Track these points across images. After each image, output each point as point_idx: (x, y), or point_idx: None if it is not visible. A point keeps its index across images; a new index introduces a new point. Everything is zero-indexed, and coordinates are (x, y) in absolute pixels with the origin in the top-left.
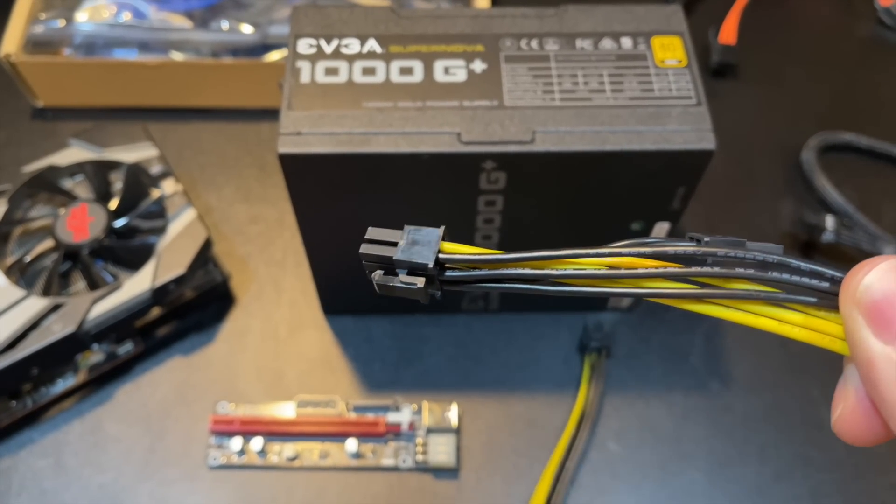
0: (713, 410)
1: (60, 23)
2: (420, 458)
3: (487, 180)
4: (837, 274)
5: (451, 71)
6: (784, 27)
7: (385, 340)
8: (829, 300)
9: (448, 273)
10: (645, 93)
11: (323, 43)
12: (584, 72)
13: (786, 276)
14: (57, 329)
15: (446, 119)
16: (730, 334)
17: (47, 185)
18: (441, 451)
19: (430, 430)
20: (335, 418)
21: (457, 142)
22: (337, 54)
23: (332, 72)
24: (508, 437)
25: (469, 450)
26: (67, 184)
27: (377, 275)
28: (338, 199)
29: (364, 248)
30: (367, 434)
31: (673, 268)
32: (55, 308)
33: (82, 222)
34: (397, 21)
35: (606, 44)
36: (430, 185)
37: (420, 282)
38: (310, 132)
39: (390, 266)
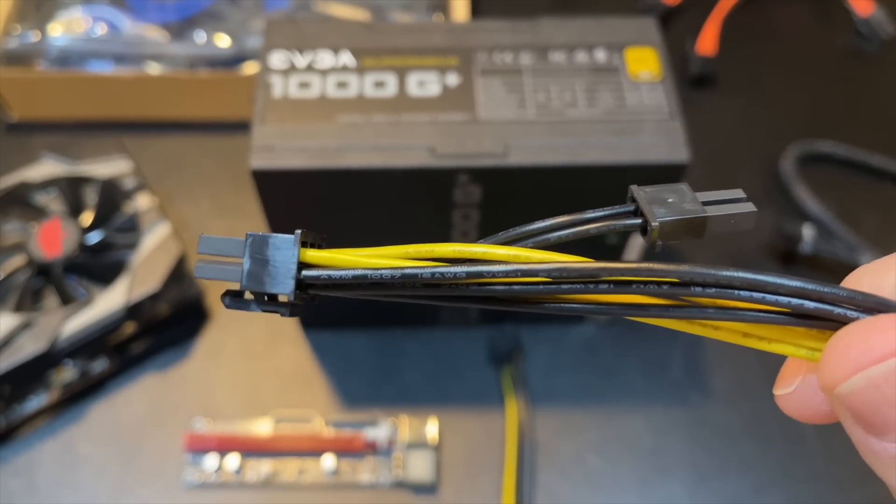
0: (693, 423)
1: (35, 36)
2: (398, 474)
3: (462, 194)
4: (825, 290)
5: (425, 84)
6: (763, 38)
7: (363, 355)
8: (812, 324)
9: (320, 291)
10: (618, 106)
11: (296, 57)
12: (557, 85)
13: (758, 294)
14: (29, 346)
15: (420, 133)
16: (710, 347)
17: (19, 201)
18: (419, 466)
19: (408, 446)
20: (312, 434)
21: (430, 156)
22: (310, 68)
23: (304, 86)
24: (488, 453)
25: (448, 465)
26: (40, 199)
27: (227, 300)
28: (311, 214)
29: (199, 271)
30: (345, 450)
31: (606, 284)
32: (27, 325)
33: (55, 238)
34: (371, 34)
35: (580, 57)
36: (405, 199)
37: (283, 309)
38: (282, 147)
39: (238, 291)
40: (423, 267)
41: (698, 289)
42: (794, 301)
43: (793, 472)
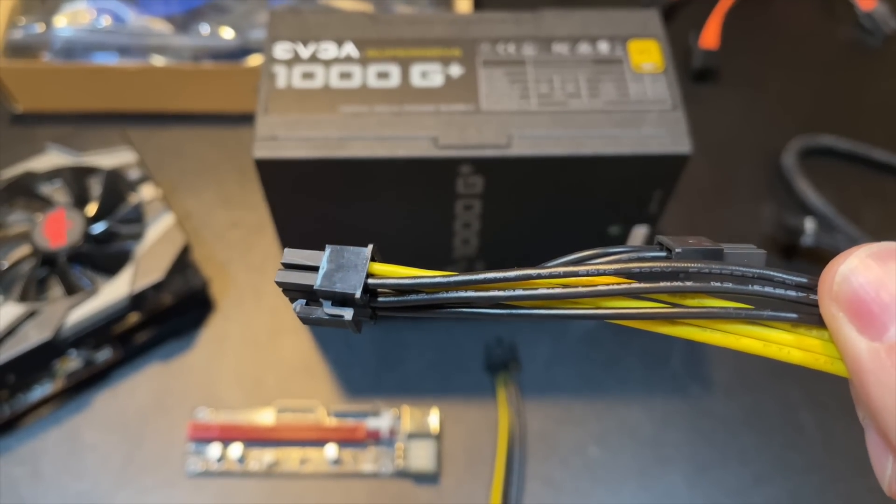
0: (693, 414)
1: (40, 28)
2: (400, 463)
3: (464, 185)
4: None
5: (428, 75)
6: (765, 32)
7: (365, 345)
8: (815, 316)
9: (381, 299)
10: (621, 97)
11: (300, 47)
12: (560, 76)
13: (769, 289)
14: (33, 336)
15: (423, 123)
16: None
17: (25, 191)
18: (421, 456)
19: (410, 436)
20: (315, 424)
21: (433, 146)
22: (313, 59)
23: (308, 76)
24: (489, 443)
25: (449, 455)
26: (45, 189)
27: (298, 306)
28: (314, 204)
29: (280, 277)
30: (347, 440)
31: (637, 284)
32: (32, 314)
33: (60, 228)
34: (374, 26)
35: (583, 48)
36: (407, 190)
37: (348, 313)
38: (285, 137)
39: (312, 295)
40: (477, 273)
41: (717, 283)
42: (801, 294)
43: (792, 464)
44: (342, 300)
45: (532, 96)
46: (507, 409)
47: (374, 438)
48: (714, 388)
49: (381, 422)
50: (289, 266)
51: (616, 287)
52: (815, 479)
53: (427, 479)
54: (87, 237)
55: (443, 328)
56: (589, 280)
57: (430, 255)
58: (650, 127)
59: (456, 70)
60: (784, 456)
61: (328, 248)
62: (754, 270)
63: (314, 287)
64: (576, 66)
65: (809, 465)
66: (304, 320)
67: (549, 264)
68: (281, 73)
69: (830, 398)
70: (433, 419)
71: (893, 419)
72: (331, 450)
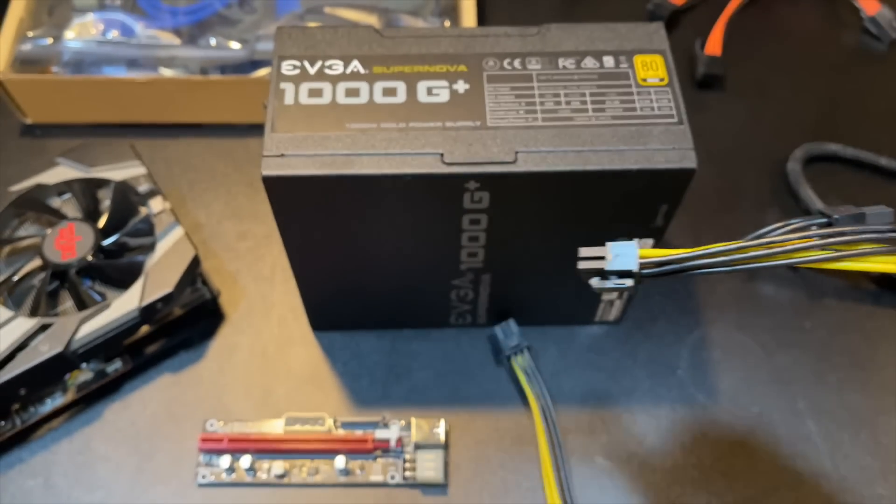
0: (700, 424)
1: (49, 41)
2: (408, 473)
3: (471, 200)
4: None
5: (434, 91)
6: (770, 38)
7: (373, 356)
8: None
9: (644, 271)
10: (627, 112)
11: (307, 64)
12: (566, 91)
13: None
14: (45, 349)
15: (429, 140)
16: (716, 347)
17: (35, 205)
18: (429, 466)
19: (418, 446)
20: (324, 435)
21: (440, 163)
22: (321, 75)
23: (315, 93)
24: (496, 453)
25: (457, 465)
26: (55, 203)
27: (595, 281)
28: (322, 220)
29: (580, 265)
30: (356, 450)
31: (815, 241)
32: (43, 328)
33: (70, 242)
34: (381, 41)
35: (589, 63)
36: (415, 206)
37: (629, 282)
38: (293, 154)
39: (604, 274)
40: (707, 248)
41: (865, 235)
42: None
43: (800, 474)
44: (625, 274)
45: (538, 112)
46: (530, 392)
47: (382, 449)
48: (720, 397)
49: (390, 432)
50: (583, 258)
51: (807, 244)
52: (823, 489)
53: (435, 489)
54: (98, 250)
55: (450, 337)
56: (786, 242)
57: (437, 266)
58: (656, 142)
59: (462, 86)
60: (791, 466)
61: (608, 245)
62: (888, 226)
63: (606, 269)
64: (581, 80)
65: (816, 474)
66: (600, 290)
67: (750, 236)
68: (288, 89)
69: (837, 407)
70: (441, 429)
71: None
72: (340, 460)
